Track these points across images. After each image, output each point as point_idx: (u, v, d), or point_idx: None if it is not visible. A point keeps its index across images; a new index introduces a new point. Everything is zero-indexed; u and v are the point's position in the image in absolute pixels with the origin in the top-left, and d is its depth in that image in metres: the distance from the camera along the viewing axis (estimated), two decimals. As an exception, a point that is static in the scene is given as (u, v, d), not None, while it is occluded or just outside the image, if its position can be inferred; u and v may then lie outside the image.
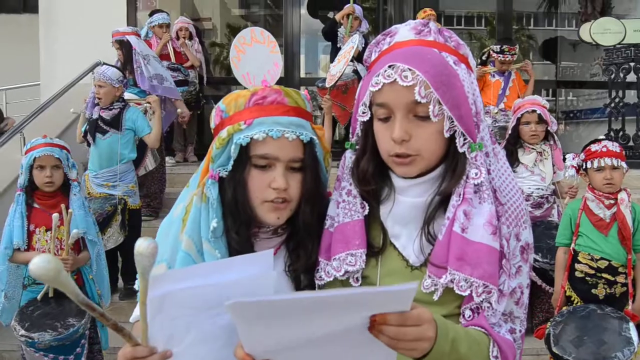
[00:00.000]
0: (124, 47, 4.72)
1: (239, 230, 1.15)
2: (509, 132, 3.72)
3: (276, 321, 0.80)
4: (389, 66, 1.04)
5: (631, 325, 2.55)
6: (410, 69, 1.02)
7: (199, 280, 0.95)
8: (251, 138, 1.12)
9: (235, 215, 1.15)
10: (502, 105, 4.92)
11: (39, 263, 0.75)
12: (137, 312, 1.23)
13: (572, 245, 2.85)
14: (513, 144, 3.64)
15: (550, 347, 2.58)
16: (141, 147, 4.29)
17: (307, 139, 1.16)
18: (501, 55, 5.02)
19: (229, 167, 1.14)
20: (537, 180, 3.58)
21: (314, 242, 1.18)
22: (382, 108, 1.07)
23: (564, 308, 2.81)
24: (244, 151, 1.13)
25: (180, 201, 1.23)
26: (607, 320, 2.61)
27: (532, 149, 3.61)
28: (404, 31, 1.11)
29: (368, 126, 1.12)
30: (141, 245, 0.87)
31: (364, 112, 1.10)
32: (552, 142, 3.62)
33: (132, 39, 4.75)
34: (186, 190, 1.23)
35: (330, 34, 5.54)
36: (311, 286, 1.18)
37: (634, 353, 2.45)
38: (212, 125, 1.22)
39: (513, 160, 3.60)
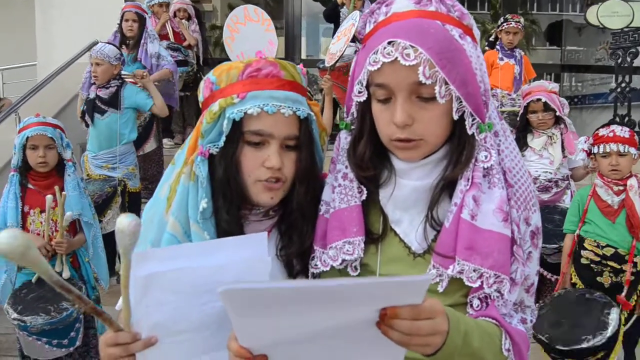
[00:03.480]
0: (141, 21, 4.65)
1: (230, 210, 1.08)
2: (518, 119, 3.68)
3: (274, 312, 0.73)
4: (389, 42, 0.95)
5: (614, 310, 2.49)
6: (412, 46, 0.92)
7: (186, 262, 0.88)
8: (245, 113, 1.04)
9: (226, 194, 1.08)
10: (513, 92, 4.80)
11: (5, 239, 0.69)
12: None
13: (577, 231, 2.80)
14: (522, 131, 3.60)
15: None
16: (147, 127, 4.22)
17: (304, 114, 1.09)
18: (505, 24, 4.87)
19: (221, 144, 1.07)
20: (545, 164, 3.51)
21: (309, 226, 1.11)
22: (381, 89, 0.98)
23: (556, 292, 2.76)
24: (237, 127, 1.06)
25: (165, 180, 1.15)
26: (592, 305, 2.56)
27: (543, 133, 3.55)
28: (401, 0, 1.00)
29: (365, 107, 1.04)
30: (122, 222, 0.82)
31: (360, 92, 1.01)
32: (562, 126, 3.54)
33: (147, 18, 4.74)
34: (171, 168, 1.16)
35: (333, 15, 5.43)
36: (304, 272, 1.12)
37: (606, 338, 2.38)
38: (201, 98, 1.14)
39: (522, 145, 3.55)
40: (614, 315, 2.47)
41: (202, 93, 1.13)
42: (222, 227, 1.08)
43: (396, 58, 0.93)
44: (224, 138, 1.07)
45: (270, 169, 1.06)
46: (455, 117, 0.97)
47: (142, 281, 0.87)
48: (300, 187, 1.10)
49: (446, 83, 0.94)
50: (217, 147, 1.08)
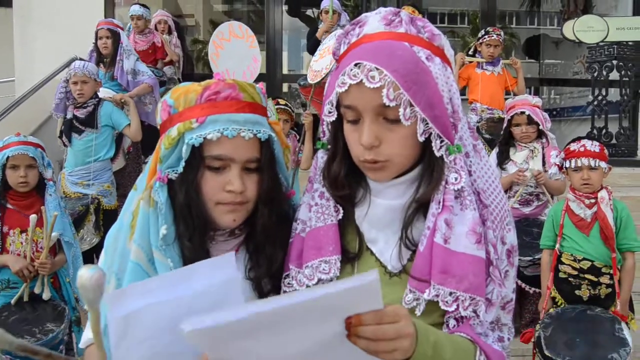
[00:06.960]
0: (114, 37, 4.58)
1: (192, 237, 1.06)
2: (502, 132, 3.72)
3: (243, 342, 0.73)
4: (355, 64, 0.95)
5: (624, 325, 2.52)
6: (377, 68, 0.93)
7: (163, 294, 0.86)
8: (204, 138, 1.03)
9: (187, 220, 1.06)
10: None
11: None
12: (87, 335, 1.13)
13: (557, 246, 2.83)
14: (505, 144, 3.64)
15: (541, 350, 2.51)
16: (116, 145, 4.18)
17: (265, 136, 1.08)
18: (487, 37, 4.90)
19: (180, 169, 1.05)
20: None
21: (275, 246, 1.11)
22: (350, 110, 0.99)
23: (551, 310, 2.77)
24: (196, 151, 1.04)
25: (128, 206, 1.13)
26: (598, 321, 2.57)
27: (525, 147, 3.59)
28: (373, 21, 1.01)
29: (337, 127, 1.05)
30: (83, 275, 0.76)
31: (330, 112, 1.02)
32: (544, 140, 3.59)
33: (121, 33, 4.67)
34: (133, 194, 1.13)
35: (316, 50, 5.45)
36: (275, 291, 1.11)
37: (629, 354, 2.40)
38: (159, 120, 1.10)
39: (504, 158, 3.60)
40: (626, 330, 2.50)
41: (160, 115, 1.10)
42: (185, 253, 1.06)
43: (361, 80, 0.94)
44: (183, 163, 1.05)
45: (231, 193, 1.05)
46: (421, 139, 0.97)
47: (121, 322, 0.83)
48: (263, 208, 1.10)
49: (411, 105, 0.94)
50: (175, 172, 1.06)
